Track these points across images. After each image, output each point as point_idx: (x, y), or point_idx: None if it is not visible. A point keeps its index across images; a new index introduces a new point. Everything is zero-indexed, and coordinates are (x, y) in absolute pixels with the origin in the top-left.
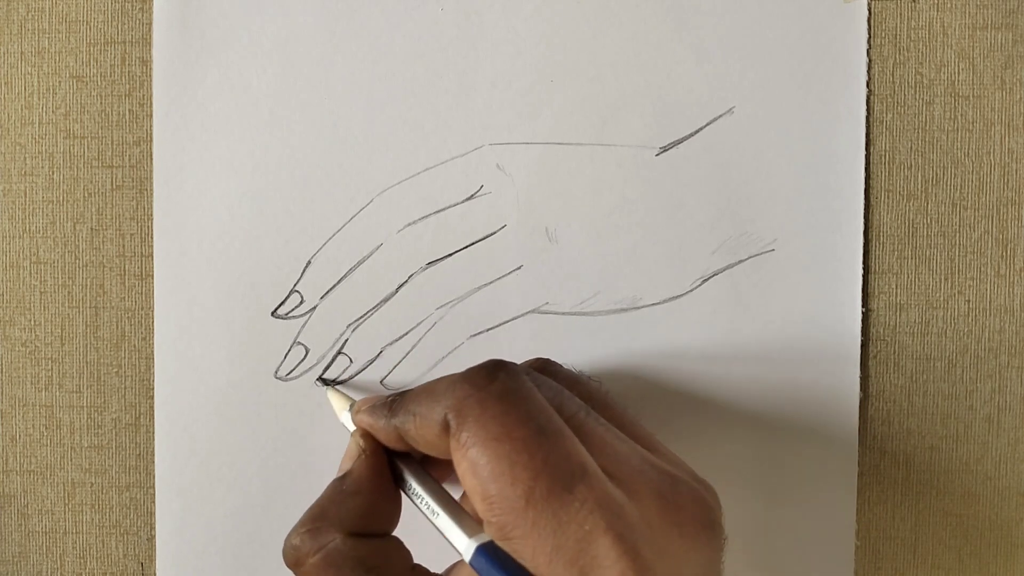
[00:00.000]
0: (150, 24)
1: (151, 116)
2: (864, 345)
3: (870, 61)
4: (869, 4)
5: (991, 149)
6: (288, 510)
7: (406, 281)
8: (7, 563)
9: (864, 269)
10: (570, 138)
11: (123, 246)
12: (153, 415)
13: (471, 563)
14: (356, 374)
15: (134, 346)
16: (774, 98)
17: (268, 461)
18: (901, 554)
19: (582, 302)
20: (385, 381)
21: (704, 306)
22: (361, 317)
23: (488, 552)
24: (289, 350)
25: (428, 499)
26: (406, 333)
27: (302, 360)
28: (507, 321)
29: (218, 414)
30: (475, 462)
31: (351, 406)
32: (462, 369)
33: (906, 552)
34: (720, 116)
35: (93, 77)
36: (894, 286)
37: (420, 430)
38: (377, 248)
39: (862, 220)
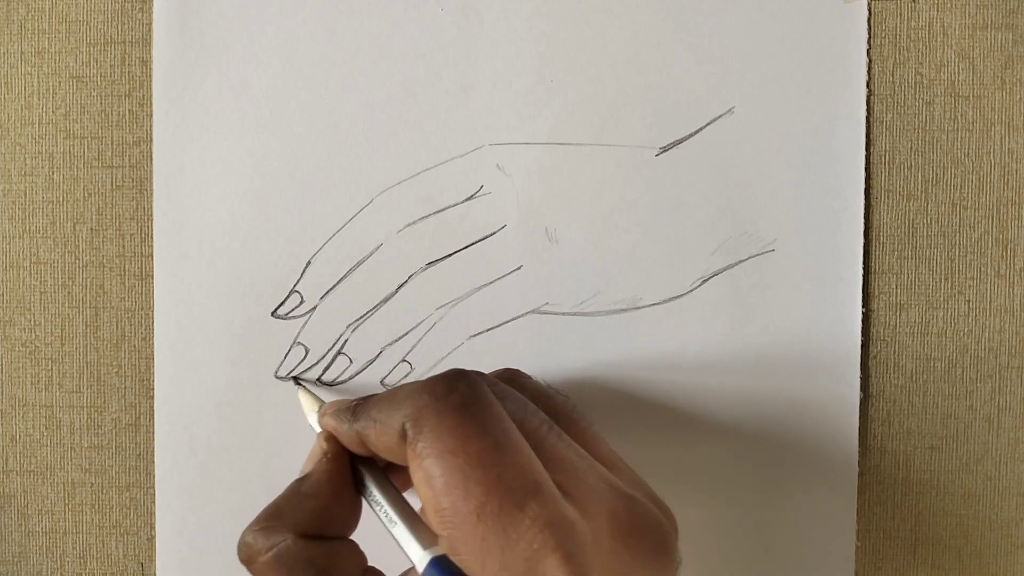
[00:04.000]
0: (150, 24)
1: (151, 116)
2: (864, 345)
3: (870, 61)
4: (869, 4)
5: (991, 149)
6: None
7: (406, 281)
8: (7, 563)
9: (864, 269)
10: (570, 138)
11: (123, 246)
12: (153, 415)
13: (424, 573)
14: (356, 374)
15: (134, 346)
16: (774, 98)
17: (268, 461)
18: (901, 554)
19: (582, 302)
20: (385, 381)
21: (704, 306)
22: (361, 317)
23: (440, 565)
24: (289, 350)
25: (387, 507)
26: (406, 333)
27: (302, 360)
28: (507, 321)
29: (218, 414)
30: (429, 473)
31: (319, 408)
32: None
33: (906, 552)
34: (720, 116)
35: (93, 77)
36: (894, 286)
37: (380, 437)
38: (377, 248)
39: (862, 220)
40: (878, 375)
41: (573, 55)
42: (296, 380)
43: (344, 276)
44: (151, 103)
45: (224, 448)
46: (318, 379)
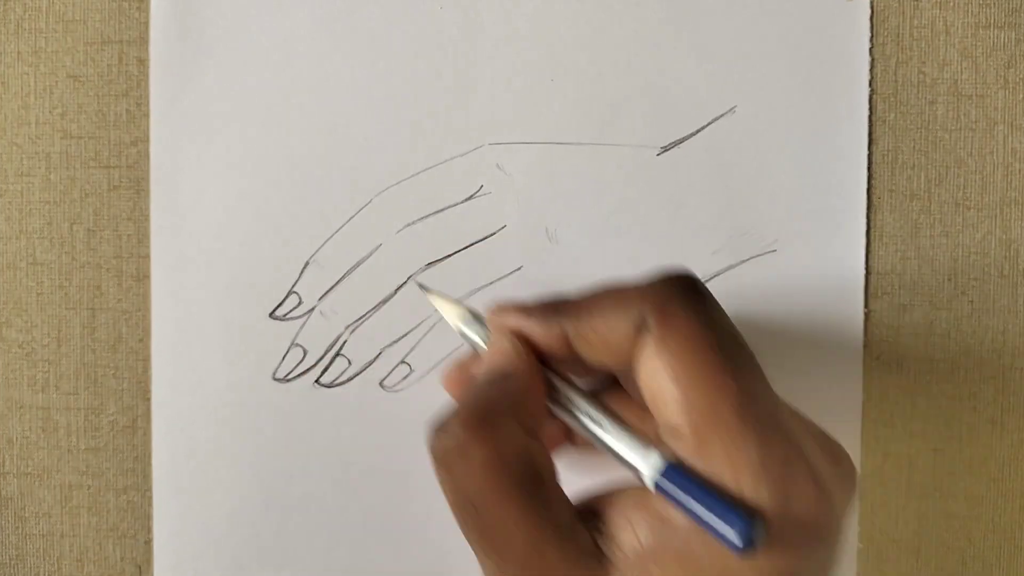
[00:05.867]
0: (147, 23)
1: (148, 116)
2: (867, 346)
3: (873, 60)
4: (872, 2)
5: (994, 149)
6: (286, 513)
7: (405, 282)
8: (4, 566)
9: (866, 269)
10: (570, 138)
11: (120, 247)
12: (150, 417)
13: (658, 481)
14: (355, 375)
15: (131, 348)
16: (776, 97)
17: (266, 463)
18: (904, 557)
19: None
20: (384, 383)
21: None
22: (360, 318)
23: (680, 469)
24: (287, 351)
25: (591, 409)
26: (405, 334)
27: (300, 361)
28: None
29: (216, 416)
30: (676, 366)
31: (467, 312)
32: None
33: (909, 555)
34: (722, 115)
35: (90, 77)
36: (897, 287)
37: (601, 330)
38: (376, 249)
39: (864, 220)
40: (880, 376)
41: (573, 55)
42: (421, 285)
43: (343, 277)
44: (148, 103)
45: (222, 450)
46: (316, 380)
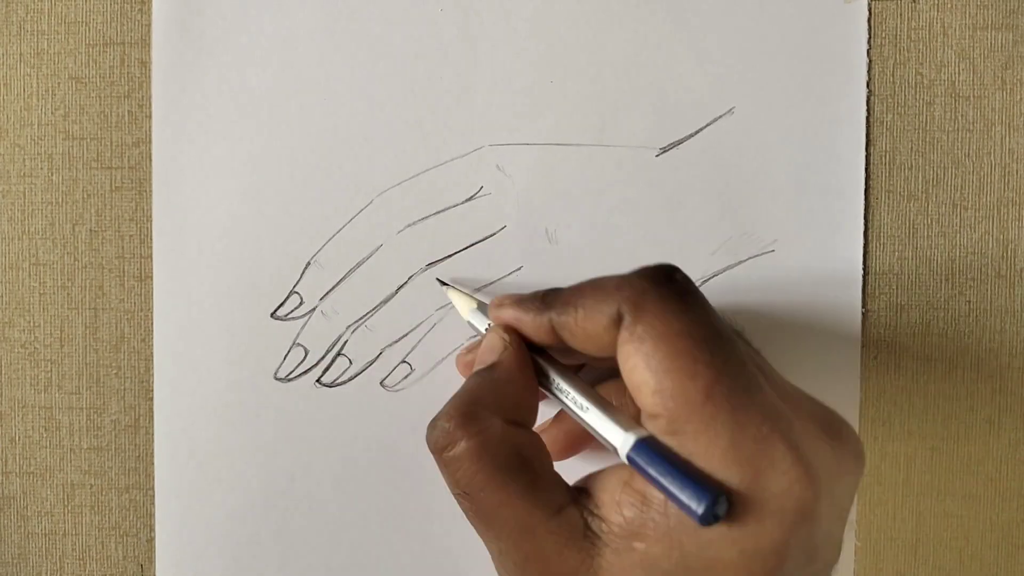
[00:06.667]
0: (149, 25)
1: (150, 117)
2: (864, 346)
3: (870, 61)
4: (869, 4)
5: (991, 149)
6: (288, 512)
7: (406, 282)
8: (7, 565)
9: (864, 270)
10: (570, 139)
11: (122, 247)
12: (152, 417)
13: (629, 456)
14: (356, 375)
15: (133, 347)
16: (774, 98)
17: (268, 463)
18: (902, 555)
19: None
20: (385, 382)
21: None
22: (361, 318)
23: (650, 445)
24: (288, 351)
25: (575, 394)
26: (406, 334)
27: (301, 361)
28: None
29: (217, 416)
30: (650, 355)
31: (490, 302)
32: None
33: (907, 553)
34: (720, 116)
35: (92, 78)
36: (894, 287)
37: (583, 323)
38: (377, 249)
39: (862, 221)
40: (878, 376)
41: (573, 55)
42: (441, 281)
43: (344, 277)
44: (150, 104)
45: (223, 450)
46: (317, 380)
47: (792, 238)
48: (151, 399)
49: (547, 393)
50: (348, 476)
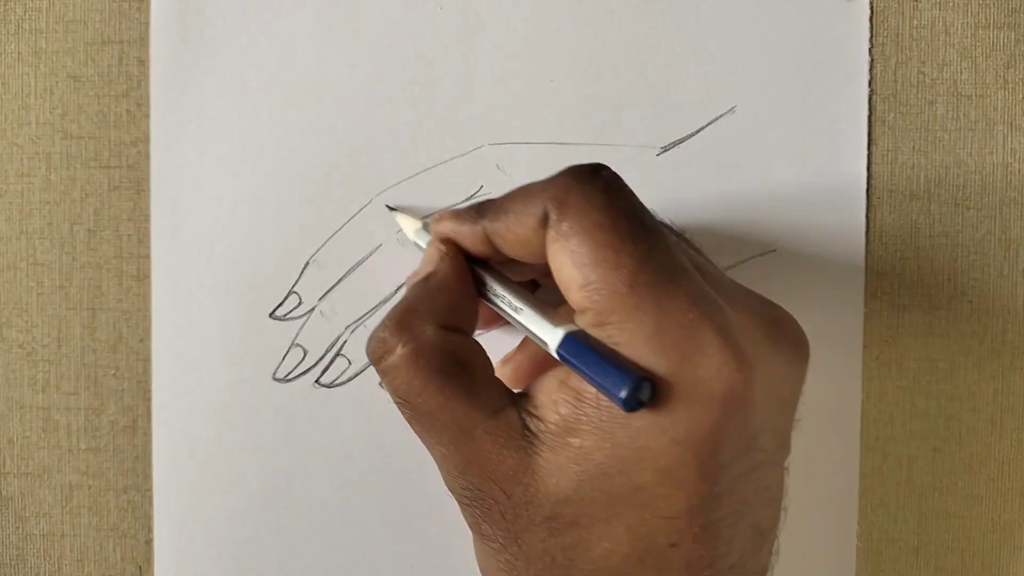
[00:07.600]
0: (147, 24)
1: (148, 116)
2: (866, 346)
3: (872, 60)
4: (871, 3)
5: (994, 149)
6: (287, 512)
7: (405, 282)
8: (5, 566)
9: (866, 270)
10: (570, 138)
11: (120, 247)
12: (151, 417)
13: (559, 351)
14: (355, 376)
15: (131, 348)
16: (776, 97)
17: (266, 463)
18: (904, 556)
19: None
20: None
21: None
22: (360, 318)
23: (578, 338)
24: (287, 352)
25: (509, 297)
26: None
27: (300, 361)
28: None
29: (216, 416)
30: (575, 251)
31: (429, 218)
32: None
33: (909, 554)
34: (721, 116)
35: (90, 77)
36: (896, 287)
37: (513, 227)
38: (376, 249)
39: (864, 220)
40: (880, 376)
41: (573, 55)
42: (389, 207)
43: (343, 277)
44: (148, 103)
45: (222, 450)
46: (316, 381)
47: (794, 237)
48: (149, 399)
49: (484, 301)
50: (347, 476)
